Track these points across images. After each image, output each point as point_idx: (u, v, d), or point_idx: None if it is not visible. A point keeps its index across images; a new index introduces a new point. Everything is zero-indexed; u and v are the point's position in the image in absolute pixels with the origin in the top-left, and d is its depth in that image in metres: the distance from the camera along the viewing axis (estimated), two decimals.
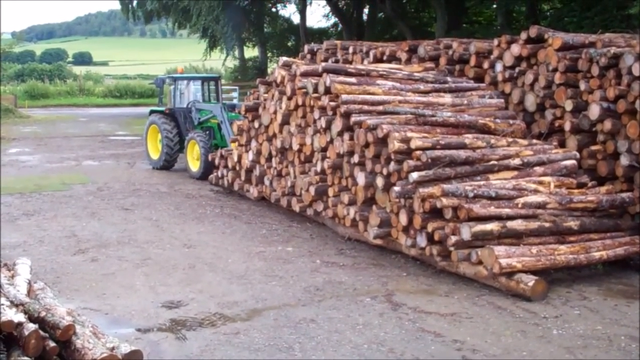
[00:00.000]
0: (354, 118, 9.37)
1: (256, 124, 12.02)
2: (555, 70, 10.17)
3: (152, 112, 17.16)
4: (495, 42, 11.32)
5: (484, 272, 7.65)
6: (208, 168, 14.45)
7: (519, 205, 8.16)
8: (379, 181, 9.05)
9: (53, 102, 42.85)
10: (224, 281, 7.93)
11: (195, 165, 15.26)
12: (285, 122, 11.06)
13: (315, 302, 7.21)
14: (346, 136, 9.58)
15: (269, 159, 11.74)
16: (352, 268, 8.53)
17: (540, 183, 8.70)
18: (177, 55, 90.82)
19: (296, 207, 10.84)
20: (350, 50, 13.86)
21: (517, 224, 7.94)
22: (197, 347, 6.01)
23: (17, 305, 4.91)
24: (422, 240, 8.33)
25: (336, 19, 36.92)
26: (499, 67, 11.12)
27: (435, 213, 8.21)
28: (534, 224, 8.02)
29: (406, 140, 8.67)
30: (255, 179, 12.23)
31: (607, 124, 9.27)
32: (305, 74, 10.59)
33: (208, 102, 17.00)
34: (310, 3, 38.30)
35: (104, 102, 45.02)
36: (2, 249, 8.77)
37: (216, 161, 13.58)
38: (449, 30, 23.47)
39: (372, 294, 7.48)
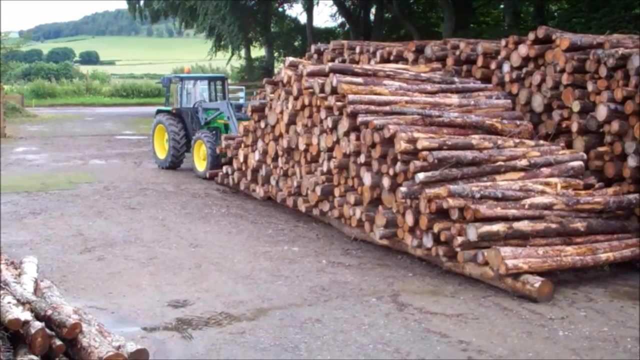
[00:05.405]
0: (360, 118, 9.36)
1: (262, 124, 12.04)
2: (562, 71, 10.14)
3: (158, 111, 17.20)
4: (503, 42, 11.30)
5: (490, 273, 7.63)
6: (215, 168, 14.50)
7: (526, 206, 8.13)
8: (385, 181, 9.05)
9: (60, 101, 43.05)
10: (230, 281, 7.93)
11: (202, 165, 15.29)
12: (292, 122, 11.06)
13: (321, 302, 7.21)
14: (352, 136, 9.57)
15: (275, 158, 11.75)
16: (358, 268, 8.53)
17: (547, 184, 8.67)
18: (184, 54, 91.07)
19: (302, 207, 10.84)
20: (357, 50, 13.85)
21: (523, 225, 7.92)
22: (202, 346, 6.02)
23: (23, 304, 4.92)
24: (428, 241, 8.32)
25: (343, 19, 36.91)
26: (506, 67, 11.10)
27: (442, 214, 8.20)
28: (540, 225, 7.99)
29: (413, 141, 8.65)
30: (261, 178, 12.25)
31: (615, 125, 9.24)
32: (311, 74, 10.59)
33: (215, 102, 17.01)
34: (317, 3, 38.43)
35: (110, 101, 45.19)
36: (9, 247, 8.80)
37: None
38: (456, 30, 23.42)
39: (378, 294, 7.48)
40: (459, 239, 7.86)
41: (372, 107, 9.52)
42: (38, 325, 4.57)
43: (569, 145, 9.82)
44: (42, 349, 4.51)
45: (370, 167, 9.33)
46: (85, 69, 60.09)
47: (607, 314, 6.98)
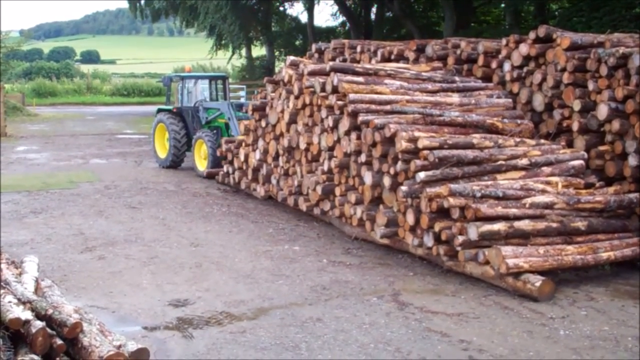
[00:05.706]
0: (361, 117, 9.36)
1: (263, 123, 12.03)
2: (563, 70, 10.13)
3: (159, 110, 17.21)
4: (504, 41, 11.29)
5: (491, 272, 7.63)
6: (216, 167, 14.51)
7: (527, 206, 8.13)
8: (386, 181, 9.04)
9: (61, 100, 43.12)
10: (231, 280, 7.93)
11: (202, 165, 15.30)
12: (293, 121, 11.06)
13: (322, 302, 7.20)
14: (353, 135, 9.57)
15: (276, 158, 11.75)
16: (359, 267, 8.53)
17: (548, 183, 8.67)
18: (185, 53, 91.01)
19: (303, 207, 10.84)
20: (358, 49, 13.83)
21: (524, 224, 7.91)
22: (203, 345, 6.02)
23: (24, 303, 4.91)
24: (429, 240, 8.32)
25: (344, 18, 36.90)
26: (507, 66, 11.09)
27: (443, 213, 8.20)
28: (541, 224, 7.99)
29: (413, 140, 8.65)
30: (262, 178, 12.25)
31: (615, 124, 9.24)
32: (312, 73, 10.59)
33: (215, 101, 17.02)
34: (318, 2, 38.36)
35: (111, 100, 45.23)
36: (10, 246, 8.80)
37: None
38: (457, 29, 23.42)
39: (378, 294, 7.48)
40: (460, 238, 7.85)
41: (373, 106, 9.52)
42: (39, 324, 4.56)
43: (570, 144, 9.82)
44: (42, 348, 4.50)
45: (371, 166, 9.32)
46: (86, 68, 60.15)
47: (608, 313, 6.98)
